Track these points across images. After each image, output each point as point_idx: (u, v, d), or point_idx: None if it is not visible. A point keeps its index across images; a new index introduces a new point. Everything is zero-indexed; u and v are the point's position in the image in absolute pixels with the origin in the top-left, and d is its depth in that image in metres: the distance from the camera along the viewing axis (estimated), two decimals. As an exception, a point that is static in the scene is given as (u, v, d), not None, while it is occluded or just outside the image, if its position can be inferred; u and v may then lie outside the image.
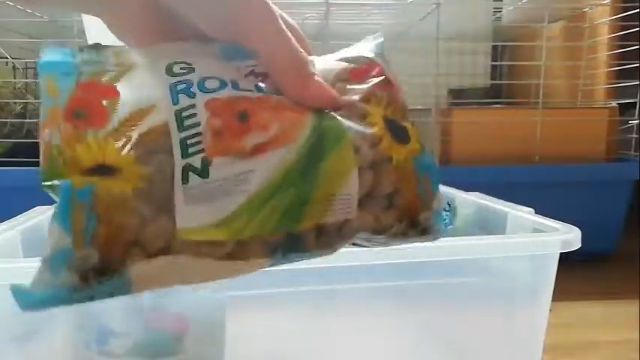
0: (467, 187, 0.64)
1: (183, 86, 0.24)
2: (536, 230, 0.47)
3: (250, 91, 0.25)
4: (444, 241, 0.40)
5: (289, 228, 0.24)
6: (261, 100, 0.25)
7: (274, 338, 0.50)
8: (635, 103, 1.04)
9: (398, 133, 0.27)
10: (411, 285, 0.46)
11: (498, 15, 1.28)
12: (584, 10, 1.17)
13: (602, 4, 1.12)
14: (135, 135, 0.23)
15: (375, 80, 0.28)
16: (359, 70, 0.29)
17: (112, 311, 0.41)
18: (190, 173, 0.23)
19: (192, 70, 0.25)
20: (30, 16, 1.06)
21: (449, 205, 0.29)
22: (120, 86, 0.24)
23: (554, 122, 1.01)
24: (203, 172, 0.23)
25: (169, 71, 0.25)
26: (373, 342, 0.50)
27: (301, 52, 0.27)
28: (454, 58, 1.48)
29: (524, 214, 0.50)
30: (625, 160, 1.06)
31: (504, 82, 1.37)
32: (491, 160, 0.98)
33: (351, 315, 0.48)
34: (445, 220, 0.28)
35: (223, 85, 0.25)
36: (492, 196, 0.59)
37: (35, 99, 1.06)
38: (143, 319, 0.41)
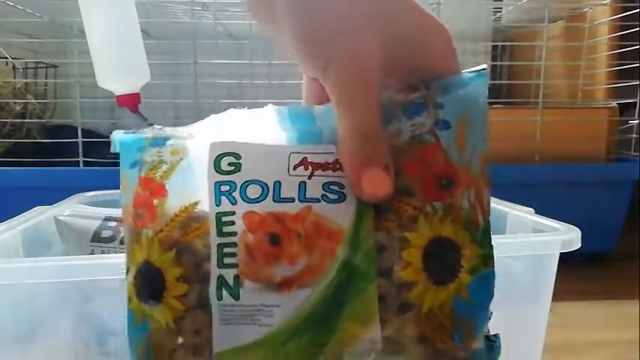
0: (467, 187, 0.64)
1: (226, 188, 0.25)
2: (536, 230, 0.47)
3: (291, 200, 0.24)
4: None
5: None
6: (298, 218, 0.24)
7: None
8: (635, 103, 1.04)
9: (440, 269, 0.24)
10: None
11: (498, 15, 1.28)
12: (584, 10, 1.17)
13: (602, 4, 1.12)
14: (177, 233, 0.24)
15: (431, 180, 0.24)
16: (418, 153, 0.25)
17: (112, 311, 0.41)
18: (224, 290, 0.24)
19: (238, 168, 0.25)
20: (30, 16, 1.06)
21: (494, 337, 0.26)
22: (171, 182, 0.25)
23: (554, 122, 1.00)
24: (234, 293, 0.24)
25: (217, 166, 0.25)
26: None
27: (371, 127, 0.23)
28: (454, 58, 1.48)
29: (524, 214, 0.50)
30: (625, 160, 1.06)
31: (504, 82, 1.37)
32: (491, 160, 0.97)
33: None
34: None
35: (265, 193, 0.24)
36: (492, 196, 0.59)
37: (35, 99, 1.06)
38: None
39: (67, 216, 0.50)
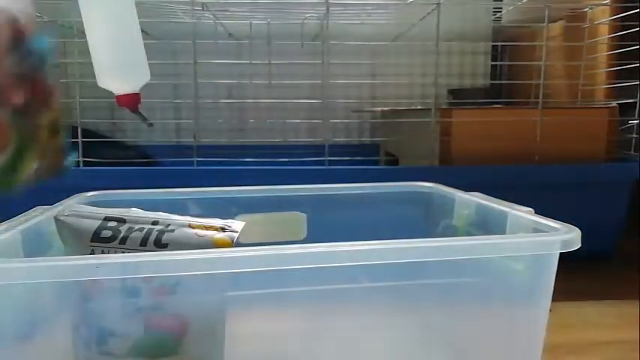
0: (467, 187, 0.64)
1: None
2: (536, 230, 0.47)
3: None
4: (444, 241, 0.40)
5: None
6: None
7: (274, 338, 0.50)
8: (635, 103, 1.04)
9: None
10: (411, 285, 0.46)
11: (498, 15, 1.28)
12: (584, 10, 1.17)
13: (602, 4, 1.12)
14: None
15: None
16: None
17: (112, 312, 0.41)
18: None
19: None
20: (30, 16, 1.06)
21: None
22: None
23: (554, 122, 1.00)
24: None
25: None
26: (373, 342, 0.50)
27: None
28: (454, 58, 1.48)
29: (524, 214, 0.50)
30: (625, 160, 1.06)
31: (504, 82, 1.37)
32: (491, 160, 0.98)
33: (351, 315, 0.48)
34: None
35: None
36: (492, 196, 0.59)
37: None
38: (143, 319, 0.41)
39: (67, 216, 0.50)
